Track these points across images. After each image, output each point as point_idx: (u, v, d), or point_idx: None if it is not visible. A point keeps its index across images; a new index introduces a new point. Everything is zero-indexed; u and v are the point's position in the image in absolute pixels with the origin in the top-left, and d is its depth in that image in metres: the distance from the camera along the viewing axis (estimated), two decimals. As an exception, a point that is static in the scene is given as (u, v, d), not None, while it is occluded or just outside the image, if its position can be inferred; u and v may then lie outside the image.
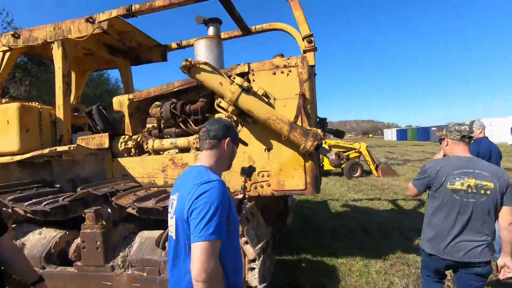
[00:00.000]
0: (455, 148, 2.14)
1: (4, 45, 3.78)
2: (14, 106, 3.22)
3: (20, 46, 3.76)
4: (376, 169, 10.87)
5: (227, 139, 1.48)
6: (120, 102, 3.78)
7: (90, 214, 2.63)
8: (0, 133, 3.26)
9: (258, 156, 3.02)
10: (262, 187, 3.03)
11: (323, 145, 2.84)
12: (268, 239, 2.70)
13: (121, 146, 3.47)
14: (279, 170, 2.97)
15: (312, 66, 2.98)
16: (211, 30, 3.45)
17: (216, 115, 3.40)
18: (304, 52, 2.98)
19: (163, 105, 3.42)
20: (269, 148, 2.99)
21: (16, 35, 3.76)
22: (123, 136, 3.56)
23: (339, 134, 4.16)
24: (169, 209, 1.43)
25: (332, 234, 4.85)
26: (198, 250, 1.15)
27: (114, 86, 19.80)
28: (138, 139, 3.58)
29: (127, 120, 3.80)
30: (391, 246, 4.26)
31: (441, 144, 2.30)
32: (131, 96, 3.75)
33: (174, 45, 4.65)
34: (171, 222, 1.36)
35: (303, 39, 2.97)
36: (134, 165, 3.41)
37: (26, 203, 2.80)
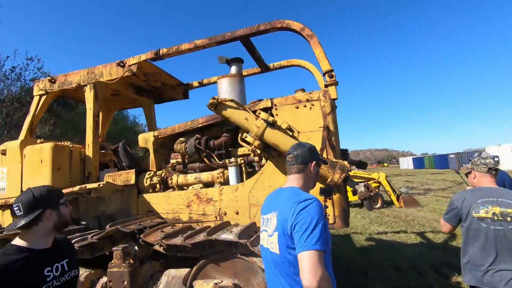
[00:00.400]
0: (483, 180, 2.26)
1: (41, 90, 4.07)
2: (48, 146, 3.38)
3: (55, 90, 4.03)
4: (398, 199, 10.48)
5: (313, 162, 1.63)
6: (146, 139, 3.91)
7: (118, 252, 2.61)
8: (34, 172, 3.40)
9: (283, 190, 2.99)
10: (289, 221, 2.96)
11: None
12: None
13: (146, 182, 3.53)
14: (306, 204, 2.91)
15: (334, 100, 3.05)
16: (233, 69, 3.62)
17: (239, 149, 3.46)
18: (326, 86, 3.06)
19: (188, 140, 3.51)
20: (294, 181, 2.96)
21: (52, 80, 4.05)
22: (148, 172, 3.63)
23: (361, 165, 4.11)
24: (263, 227, 1.55)
25: (361, 271, 4.58)
26: (306, 260, 1.23)
27: (132, 123, 20.58)
28: (163, 175, 3.63)
29: (152, 156, 3.89)
30: (427, 285, 3.96)
31: (467, 177, 2.43)
32: (156, 133, 3.88)
33: (195, 83, 4.88)
34: (272, 239, 1.44)
35: (324, 74, 3.06)
36: (159, 201, 3.43)
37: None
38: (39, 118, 4.12)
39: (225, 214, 3.17)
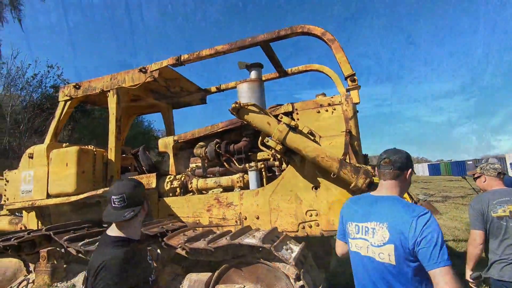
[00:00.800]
0: (493, 183, 2.52)
1: (66, 95, 4.20)
2: (73, 150, 3.47)
3: (80, 95, 4.16)
4: (415, 206, 10.18)
5: (409, 170, 1.60)
6: (166, 143, 3.96)
7: (141, 255, 2.63)
8: (59, 175, 3.49)
9: (305, 195, 2.97)
10: (310, 227, 2.93)
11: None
12: (325, 285, 2.54)
13: (167, 186, 3.57)
14: (328, 209, 2.88)
15: (356, 104, 3.02)
16: (253, 74, 3.65)
17: (259, 154, 3.46)
18: (347, 90, 3.04)
19: (208, 145, 3.54)
20: (316, 186, 2.94)
21: (77, 86, 4.18)
22: (168, 176, 3.67)
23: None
24: (360, 235, 1.56)
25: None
26: (444, 275, 1.29)
27: (147, 128, 20.96)
28: (183, 179, 3.67)
29: (171, 160, 3.94)
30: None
31: (475, 181, 2.67)
32: (176, 137, 3.93)
33: (213, 88, 4.94)
34: (383, 250, 1.44)
35: (345, 78, 3.04)
36: (179, 205, 3.46)
37: (80, 243, 2.87)
38: (63, 123, 4.25)
39: (245, 218, 3.16)
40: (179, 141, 3.88)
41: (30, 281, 3.21)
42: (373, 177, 2.69)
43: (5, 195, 3.89)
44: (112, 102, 3.89)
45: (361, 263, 1.56)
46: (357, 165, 2.73)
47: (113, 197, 1.52)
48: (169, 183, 3.57)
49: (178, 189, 3.59)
